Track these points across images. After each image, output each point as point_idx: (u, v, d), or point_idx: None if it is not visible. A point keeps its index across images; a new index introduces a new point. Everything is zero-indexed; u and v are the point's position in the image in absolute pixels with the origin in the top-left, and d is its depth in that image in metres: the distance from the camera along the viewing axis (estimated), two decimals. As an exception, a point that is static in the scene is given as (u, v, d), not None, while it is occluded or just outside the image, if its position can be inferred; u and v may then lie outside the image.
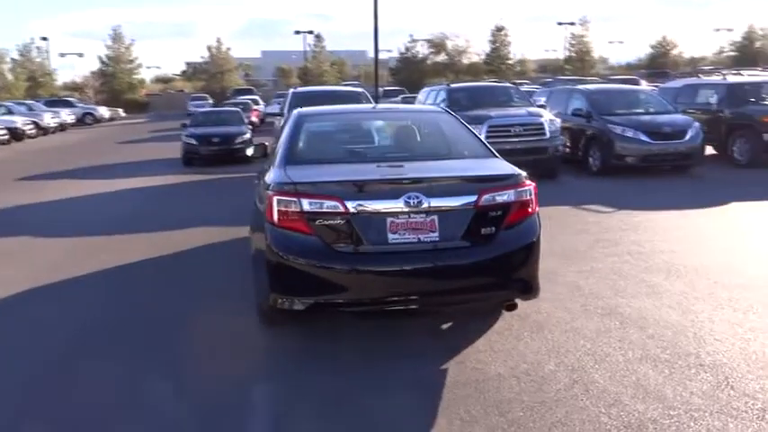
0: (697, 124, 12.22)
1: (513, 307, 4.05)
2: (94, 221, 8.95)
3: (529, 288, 3.98)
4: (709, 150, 12.97)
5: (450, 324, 4.63)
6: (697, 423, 3.19)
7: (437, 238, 3.77)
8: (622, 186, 10.64)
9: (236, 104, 27.82)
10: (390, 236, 3.74)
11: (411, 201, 3.71)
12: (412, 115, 5.44)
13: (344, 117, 5.45)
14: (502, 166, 4.11)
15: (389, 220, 3.74)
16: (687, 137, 11.95)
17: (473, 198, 3.81)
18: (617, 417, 3.27)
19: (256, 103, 33.73)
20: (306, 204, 3.72)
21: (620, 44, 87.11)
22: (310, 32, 59.45)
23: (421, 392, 3.62)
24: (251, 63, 72.43)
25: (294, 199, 3.73)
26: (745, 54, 55.78)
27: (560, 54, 62.06)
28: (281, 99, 37.59)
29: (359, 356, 4.11)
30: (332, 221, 3.72)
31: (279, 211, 3.77)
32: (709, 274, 5.60)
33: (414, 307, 4.11)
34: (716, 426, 3.16)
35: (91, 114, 40.42)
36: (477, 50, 59.37)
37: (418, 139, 4.82)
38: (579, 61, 55.62)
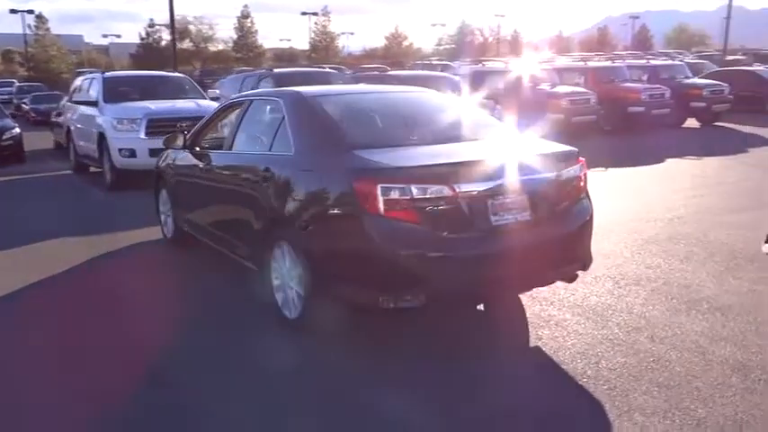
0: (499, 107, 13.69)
1: (574, 278, 4.15)
2: None
3: (589, 260, 4.12)
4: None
5: (479, 312, 4.55)
6: (779, 357, 3.66)
7: (529, 217, 3.70)
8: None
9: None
10: (492, 218, 3.58)
11: (510, 180, 3.58)
12: (417, 95, 5.11)
13: (358, 98, 4.89)
14: (557, 144, 4.16)
15: (490, 201, 3.57)
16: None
17: (554, 174, 3.83)
18: (720, 363, 3.59)
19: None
20: (415, 191, 3.36)
21: (352, 35, 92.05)
22: (30, 12, 50.94)
23: (545, 377, 3.58)
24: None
25: (402, 186, 3.35)
26: (460, 47, 63.46)
27: (294, 44, 63.51)
28: (14, 90, 32.10)
29: (432, 361, 3.78)
30: (440, 207, 3.43)
31: (385, 200, 3.33)
32: (641, 232, 6.38)
33: (520, 289, 3.98)
34: (794, 356, 3.67)
35: None
36: (223, 37, 57.83)
37: (454, 119, 4.56)
38: (324, 50, 57.60)
